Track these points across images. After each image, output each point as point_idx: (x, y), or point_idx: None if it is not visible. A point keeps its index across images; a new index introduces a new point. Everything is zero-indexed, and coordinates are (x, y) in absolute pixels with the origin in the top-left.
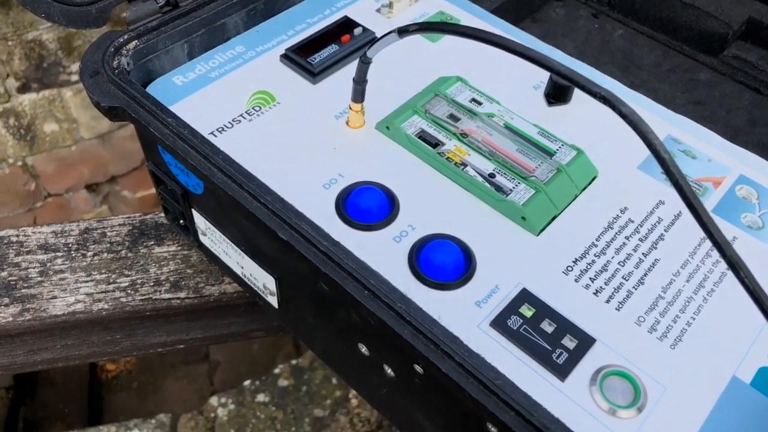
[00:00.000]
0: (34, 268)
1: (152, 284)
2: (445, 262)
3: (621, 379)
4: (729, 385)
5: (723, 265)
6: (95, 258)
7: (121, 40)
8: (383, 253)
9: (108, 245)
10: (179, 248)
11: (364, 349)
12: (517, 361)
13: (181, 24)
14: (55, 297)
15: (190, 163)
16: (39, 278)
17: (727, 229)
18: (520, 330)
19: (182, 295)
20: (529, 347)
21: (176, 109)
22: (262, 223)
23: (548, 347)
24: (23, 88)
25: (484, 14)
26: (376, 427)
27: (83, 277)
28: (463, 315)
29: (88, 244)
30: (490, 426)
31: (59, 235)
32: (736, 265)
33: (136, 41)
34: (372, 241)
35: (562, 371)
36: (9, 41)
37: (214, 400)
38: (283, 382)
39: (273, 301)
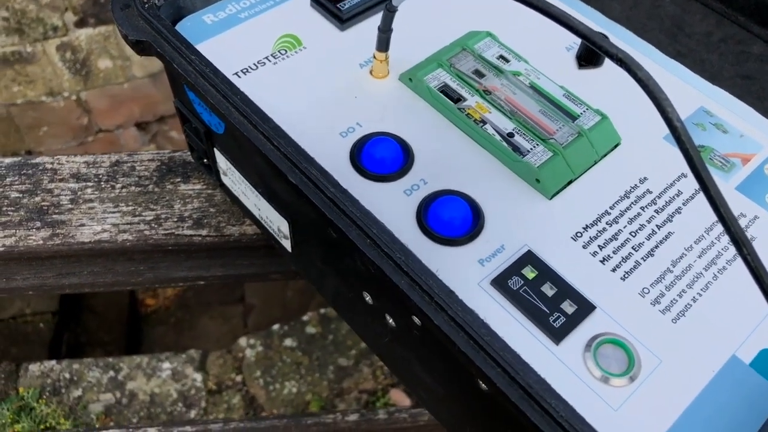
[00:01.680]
0: (65, 195)
1: (176, 220)
2: (452, 217)
3: (616, 348)
4: (727, 364)
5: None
6: (123, 190)
7: None
8: (393, 204)
9: (136, 179)
10: (204, 187)
11: (368, 298)
12: (513, 321)
13: None
14: (83, 225)
15: (210, 102)
16: (69, 205)
17: (749, 207)
18: (520, 291)
19: (203, 232)
20: (527, 308)
21: (203, 47)
22: (275, 165)
23: (546, 310)
24: (80, 23)
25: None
26: (398, 381)
27: (110, 207)
28: (465, 271)
29: (117, 177)
30: (480, 383)
31: (91, 166)
32: (740, 242)
33: None
34: (383, 192)
35: (557, 335)
36: None
37: (243, 341)
38: (311, 329)
39: (287, 244)
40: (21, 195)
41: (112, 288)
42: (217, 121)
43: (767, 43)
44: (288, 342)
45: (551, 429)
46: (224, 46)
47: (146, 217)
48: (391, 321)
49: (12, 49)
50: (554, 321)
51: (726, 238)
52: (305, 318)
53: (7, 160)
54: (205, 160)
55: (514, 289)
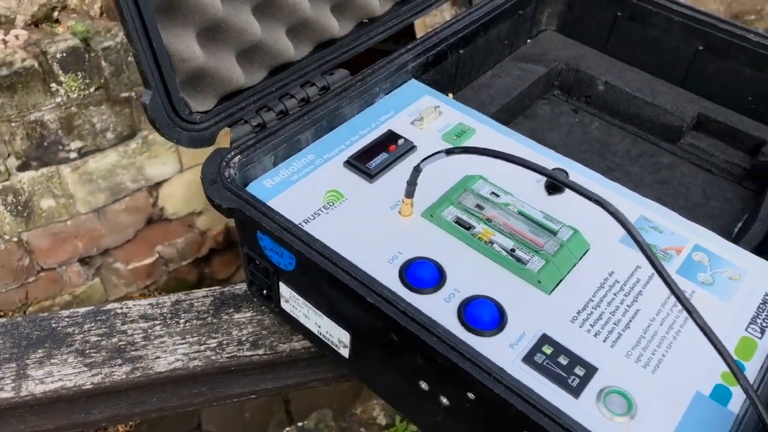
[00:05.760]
0: (138, 334)
1: (236, 344)
2: (484, 315)
3: (618, 396)
4: (694, 397)
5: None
6: (186, 324)
7: (229, 156)
8: (438, 310)
9: (196, 313)
10: (254, 314)
11: (424, 385)
12: (543, 386)
13: (269, 141)
14: (158, 357)
15: (291, 246)
16: (143, 342)
17: (687, 285)
18: (544, 363)
19: (260, 352)
20: (552, 375)
21: (272, 205)
22: (351, 290)
23: (564, 375)
24: (23, 167)
25: (490, 122)
26: None
27: (179, 340)
28: (501, 354)
29: (179, 313)
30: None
31: (155, 307)
32: (689, 309)
33: (239, 155)
34: (429, 301)
35: (576, 392)
36: (12, 122)
37: None
38: None
39: (345, 352)
40: (100, 338)
41: (176, 410)
42: (288, 261)
43: (673, 154)
44: None
45: None
46: (286, 203)
47: (211, 344)
48: (444, 400)
49: None
50: (572, 382)
51: (677, 308)
52: None
53: (82, 310)
54: (264, 292)
55: (539, 362)
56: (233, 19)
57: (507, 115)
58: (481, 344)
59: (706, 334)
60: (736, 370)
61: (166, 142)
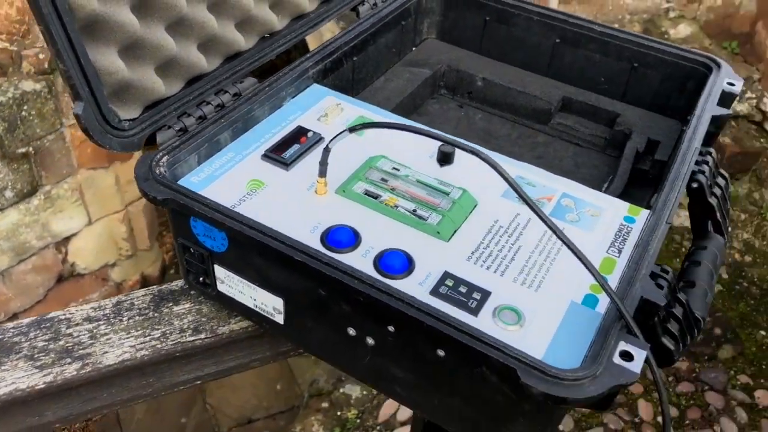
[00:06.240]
0: (84, 335)
1: (178, 332)
2: (395, 263)
3: (509, 311)
4: (570, 305)
5: (558, 243)
6: (130, 321)
7: (158, 156)
8: (357, 264)
9: (138, 311)
10: (193, 305)
11: (351, 331)
12: (449, 310)
13: (192, 142)
14: (106, 352)
15: (223, 225)
16: (90, 341)
17: (558, 224)
18: (447, 293)
19: (202, 336)
20: (454, 301)
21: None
22: (281, 255)
23: (465, 300)
24: None
25: (387, 114)
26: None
27: (124, 335)
28: (413, 290)
29: (122, 312)
30: (439, 351)
31: (97, 310)
32: (563, 240)
33: (167, 156)
34: (348, 258)
35: (475, 311)
36: None
37: None
38: None
39: (280, 318)
40: (47, 343)
41: (127, 404)
42: (220, 242)
43: (546, 134)
44: None
45: (496, 353)
46: (213, 193)
47: (155, 335)
48: (370, 341)
49: None
50: (471, 304)
51: (551, 242)
52: None
53: (26, 320)
54: (201, 279)
55: (444, 293)
56: (150, 36)
57: (401, 113)
58: (396, 285)
59: (575, 253)
60: (599, 278)
61: (71, 196)
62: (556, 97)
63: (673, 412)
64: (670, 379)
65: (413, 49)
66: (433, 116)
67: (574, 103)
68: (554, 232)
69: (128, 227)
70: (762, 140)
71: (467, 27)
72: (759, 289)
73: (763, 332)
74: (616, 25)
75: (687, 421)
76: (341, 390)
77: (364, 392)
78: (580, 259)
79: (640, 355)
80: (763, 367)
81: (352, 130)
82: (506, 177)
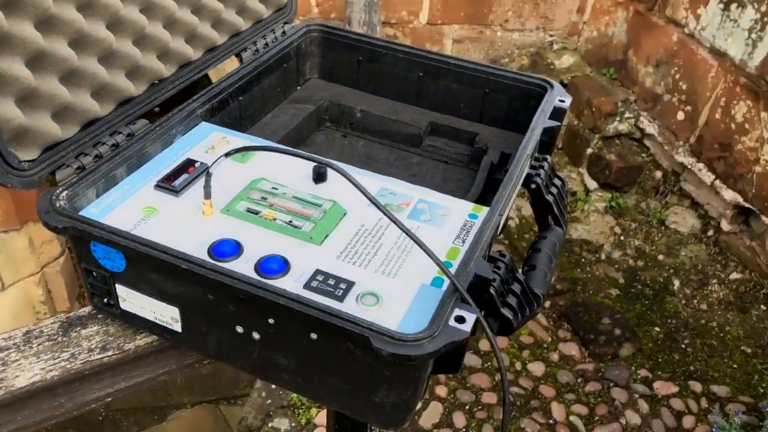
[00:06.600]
0: None
1: (87, 352)
2: (273, 265)
3: (370, 296)
4: (420, 287)
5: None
6: (39, 346)
7: (57, 191)
8: (240, 270)
9: (47, 337)
10: (100, 327)
11: (240, 329)
12: (319, 299)
13: (90, 178)
14: (18, 375)
15: (119, 245)
16: (1, 368)
17: (415, 223)
18: (318, 286)
19: (110, 353)
20: (323, 292)
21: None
22: (172, 266)
23: (332, 290)
24: None
25: (269, 143)
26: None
27: (34, 360)
28: (289, 287)
29: (31, 340)
30: (312, 334)
31: (7, 339)
32: (405, 231)
33: (66, 191)
34: (232, 265)
35: (341, 298)
36: None
37: None
38: None
39: (178, 327)
40: None
41: (39, 426)
42: (119, 263)
43: (419, 155)
44: None
45: (355, 327)
46: (111, 220)
47: (64, 357)
48: (256, 335)
49: None
50: (338, 293)
51: (406, 240)
52: None
53: None
54: (105, 300)
55: (315, 286)
56: (44, 87)
57: (288, 144)
58: (273, 283)
59: (415, 241)
60: (435, 258)
61: None
62: (425, 122)
63: (583, 410)
64: (579, 380)
65: (298, 88)
66: (320, 146)
67: (440, 127)
68: (396, 223)
69: (45, 289)
70: (643, 155)
71: (344, 66)
72: (652, 290)
73: (657, 328)
74: (506, 60)
75: (596, 417)
76: (270, 425)
77: (293, 424)
78: (419, 245)
79: (471, 318)
80: (659, 360)
81: (227, 154)
82: (356, 184)
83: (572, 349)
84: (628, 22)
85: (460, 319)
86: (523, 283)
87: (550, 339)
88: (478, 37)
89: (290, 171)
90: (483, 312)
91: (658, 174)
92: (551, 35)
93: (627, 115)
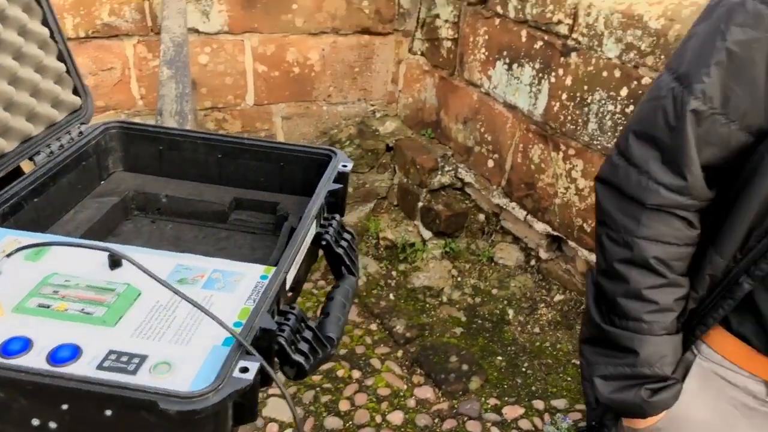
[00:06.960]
0: None
1: None
2: (65, 354)
3: (163, 365)
4: (212, 348)
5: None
6: None
7: None
8: (32, 363)
9: None
10: None
11: (35, 422)
12: (112, 376)
13: None
14: None
15: None
16: None
17: (209, 293)
18: (110, 365)
19: None
20: (116, 369)
21: None
22: None
23: (125, 366)
24: None
25: (69, 239)
26: None
27: None
28: (83, 371)
29: None
30: (107, 411)
31: None
32: (189, 300)
33: None
34: (22, 361)
35: (134, 372)
36: None
37: None
38: None
39: None
40: None
41: None
42: None
43: (227, 229)
44: None
45: (143, 395)
46: None
47: None
48: (53, 425)
49: None
50: (130, 368)
51: (196, 312)
52: None
53: None
54: None
55: (107, 365)
56: None
57: (93, 237)
58: (65, 370)
59: (201, 309)
60: (218, 320)
61: None
62: (229, 199)
63: None
64: (436, 420)
65: (102, 182)
66: (128, 235)
67: (244, 201)
68: (180, 296)
69: None
70: (466, 202)
71: (147, 157)
72: (490, 323)
73: (500, 357)
74: (335, 131)
75: None
76: None
77: None
78: (202, 310)
79: (254, 366)
80: (505, 386)
81: (9, 255)
82: (138, 265)
83: (427, 392)
84: (436, 87)
85: (244, 369)
86: (314, 330)
87: (405, 386)
88: (305, 113)
89: (86, 262)
90: (276, 361)
91: (482, 217)
92: (372, 105)
93: (447, 168)
